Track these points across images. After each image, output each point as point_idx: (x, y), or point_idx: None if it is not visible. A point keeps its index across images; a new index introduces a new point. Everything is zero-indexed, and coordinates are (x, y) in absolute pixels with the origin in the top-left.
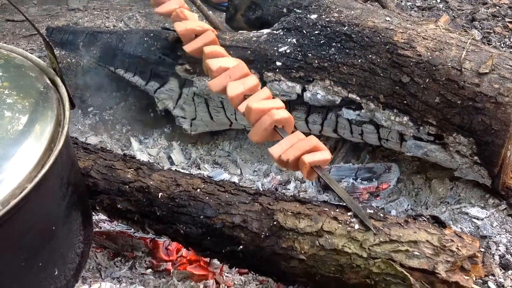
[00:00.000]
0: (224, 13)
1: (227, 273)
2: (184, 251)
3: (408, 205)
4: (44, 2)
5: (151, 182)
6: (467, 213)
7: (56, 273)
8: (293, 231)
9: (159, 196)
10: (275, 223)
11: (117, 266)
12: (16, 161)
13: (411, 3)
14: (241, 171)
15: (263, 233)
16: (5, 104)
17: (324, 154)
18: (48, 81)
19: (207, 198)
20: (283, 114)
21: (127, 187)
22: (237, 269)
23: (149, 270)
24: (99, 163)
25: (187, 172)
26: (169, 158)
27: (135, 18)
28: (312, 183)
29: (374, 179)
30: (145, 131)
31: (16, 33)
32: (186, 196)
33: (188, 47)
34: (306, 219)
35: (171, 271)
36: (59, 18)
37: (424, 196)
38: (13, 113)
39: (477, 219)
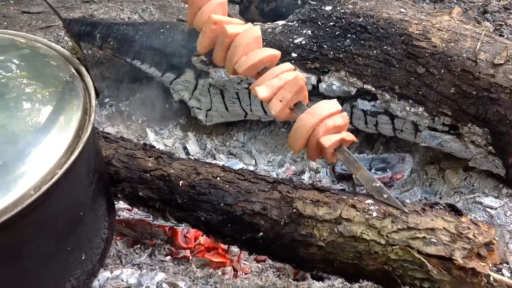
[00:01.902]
0: (237, 5)
1: (245, 260)
2: (201, 239)
3: (421, 195)
4: None
5: (172, 171)
6: (481, 203)
7: (83, 257)
8: (312, 219)
9: (180, 184)
10: (294, 210)
11: (136, 253)
12: (46, 148)
13: None
14: (255, 161)
15: (282, 220)
16: (34, 93)
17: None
18: (74, 71)
19: (227, 186)
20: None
21: (148, 175)
22: (254, 256)
23: (168, 257)
24: (120, 152)
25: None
26: (185, 148)
27: (149, 10)
28: (327, 173)
29: (388, 170)
30: (161, 122)
31: (32, 24)
32: (206, 184)
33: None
34: (325, 206)
35: (190, 258)
36: (74, 10)
37: (437, 186)
38: (41, 102)
39: (491, 208)
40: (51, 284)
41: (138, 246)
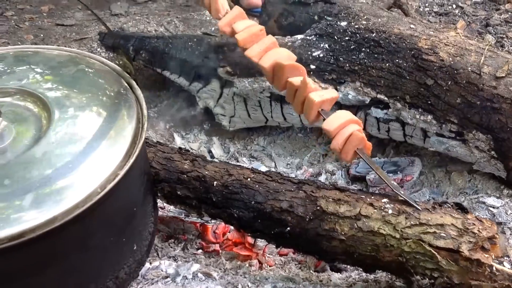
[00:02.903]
0: (255, 18)
1: (269, 254)
2: (229, 234)
3: (429, 195)
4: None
5: (206, 172)
6: (484, 202)
7: (135, 248)
8: (334, 215)
9: (214, 184)
10: (318, 208)
11: (171, 247)
12: (109, 152)
13: (428, 9)
14: (275, 164)
15: (307, 216)
16: (94, 104)
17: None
18: (125, 84)
19: (257, 186)
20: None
21: (185, 176)
22: (278, 250)
23: (200, 251)
24: (158, 155)
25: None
26: (209, 152)
27: (173, 22)
28: (342, 175)
29: (398, 172)
30: (186, 127)
31: (67, 36)
32: (238, 184)
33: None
34: (345, 204)
35: (220, 251)
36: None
37: (444, 187)
38: (101, 112)
39: (493, 207)
40: (110, 271)
41: (172, 240)
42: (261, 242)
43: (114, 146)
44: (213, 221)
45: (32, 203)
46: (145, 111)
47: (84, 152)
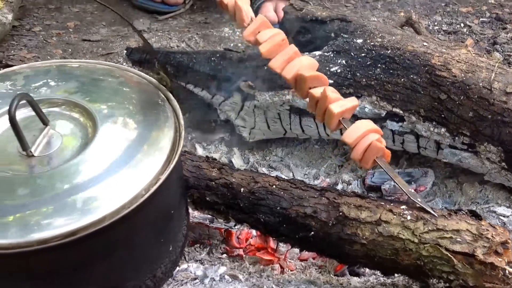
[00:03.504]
0: None
1: (290, 259)
2: (251, 240)
3: (442, 205)
4: (112, 24)
5: (233, 179)
6: (494, 211)
7: (171, 248)
8: (356, 220)
9: (241, 191)
10: (340, 213)
11: (197, 251)
12: (151, 159)
13: (438, 27)
14: (293, 174)
15: (330, 221)
16: (135, 115)
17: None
18: (163, 95)
19: (282, 192)
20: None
21: (213, 183)
22: (298, 256)
23: (224, 255)
24: (188, 163)
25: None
26: (230, 162)
27: (194, 39)
28: (358, 185)
29: (412, 182)
30: (207, 138)
31: (94, 51)
32: (264, 191)
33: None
34: (366, 211)
35: (243, 256)
36: (129, 39)
37: (456, 198)
38: (141, 121)
39: (504, 216)
40: (149, 269)
41: (198, 245)
42: (283, 247)
43: (155, 153)
44: (236, 227)
45: (83, 203)
46: (181, 121)
47: (128, 158)
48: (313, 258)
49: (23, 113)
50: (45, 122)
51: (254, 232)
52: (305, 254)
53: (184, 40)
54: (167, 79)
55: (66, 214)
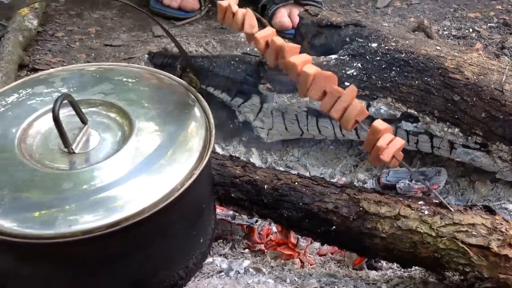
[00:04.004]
0: (286, 40)
1: (310, 254)
2: (272, 236)
3: (455, 203)
4: (131, 29)
5: (257, 177)
6: (506, 208)
7: (201, 241)
8: (375, 215)
9: (265, 187)
10: (360, 209)
11: (220, 246)
12: (185, 155)
13: (447, 32)
14: (309, 173)
15: (351, 216)
16: (168, 114)
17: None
18: (193, 96)
19: (304, 189)
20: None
21: (238, 180)
22: (317, 251)
23: (247, 250)
24: (213, 161)
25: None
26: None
27: (211, 44)
28: (373, 183)
29: (426, 181)
30: (226, 139)
31: (116, 56)
32: (287, 188)
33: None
34: (385, 206)
35: (265, 251)
36: (149, 44)
37: (468, 195)
38: (174, 121)
39: None
40: (182, 260)
41: (221, 240)
42: (302, 243)
43: (189, 150)
44: (257, 223)
45: (123, 197)
46: (211, 120)
47: (164, 154)
48: (332, 253)
49: (63, 113)
50: (84, 121)
51: (274, 228)
52: (324, 249)
53: (202, 45)
54: (197, 81)
55: (108, 207)
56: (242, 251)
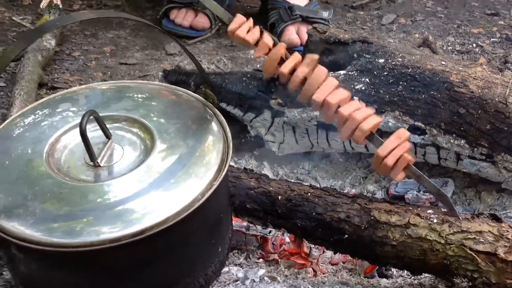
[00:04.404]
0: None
1: (322, 263)
2: (285, 246)
3: (462, 212)
4: (145, 48)
5: (271, 188)
6: (511, 217)
7: (220, 250)
8: (386, 224)
9: (279, 198)
10: (372, 218)
11: (235, 256)
12: (205, 168)
13: (451, 48)
14: (320, 185)
15: (362, 225)
16: (188, 128)
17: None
18: (210, 111)
19: (317, 199)
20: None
21: (253, 192)
22: (329, 260)
23: (261, 260)
24: (229, 174)
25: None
26: None
27: (222, 61)
28: (382, 195)
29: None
30: (238, 153)
31: (131, 74)
32: (300, 198)
33: (285, 68)
34: (396, 215)
35: (278, 260)
36: (162, 62)
37: (475, 205)
38: (194, 134)
39: None
40: (202, 267)
41: (236, 251)
42: (315, 252)
43: (208, 162)
44: (270, 233)
45: (147, 207)
46: (228, 134)
47: (184, 167)
48: (343, 262)
49: (88, 128)
50: (108, 136)
51: (287, 238)
52: (336, 258)
53: (214, 62)
54: (214, 97)
55: (132, 216)
56: (257, 260)
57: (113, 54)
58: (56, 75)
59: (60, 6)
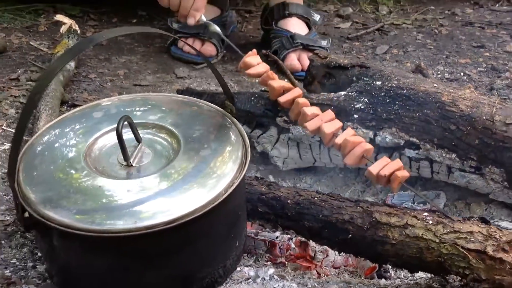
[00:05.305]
0: (298, 81)
1: (325, 266)
2: (291, 251)
3: None
4: (156, 72)
5: (281, 193)
6: (499, 225)
7: (237, 244)
8: (386, 225)
9: (288, 202)
10: (373, 219)
11: (246, 259)
12: (227, 167)
13: (441, 76)
14: None
15: (365, 226)
16: (210, 134)
17: (405, 172)
18: (229, 120)
19: (323, 203)
20: (369, 146)
21: (264, 197)
22: (332, 264)
23: (269, 262)
24: None
25: None
26: None
27: (229, 84)
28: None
29: (427, 203)
30: (249, 168)
31: None
32: (307, 202)
33: (282, 98)
34: (395, 216)
35: (285, 263)
36: (173, 84)
37: (465, 216)
38: (216, 139)
39: (507, 229)
40: (221, 259)
41: (246, 254)
42: (319, 256)
43: (229, 163)
44: (277, 238)
45: (177, 199)
46: (246, 140)
47: (209, 166)
48: (345, 266)
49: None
50: (139, 140)
51: (293, 244)
52: (338, 262)
53: None
54: (232, 107)
55: (166, 207)
56: (265, 263)
57: (126, 76)
58: (75, 94)
59: (78, 32)
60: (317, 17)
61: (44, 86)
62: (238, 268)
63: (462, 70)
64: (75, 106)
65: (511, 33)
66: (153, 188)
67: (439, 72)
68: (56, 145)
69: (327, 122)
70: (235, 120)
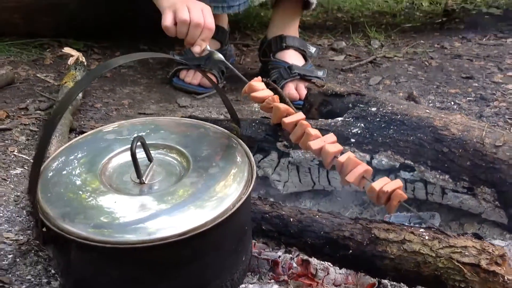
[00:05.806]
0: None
1: (326, 284)
2: (293, 269)
3: None
4: (159, 101)
5: (284, 212)
6: (492, 244)
7: (244, 258)
8: (385, 240)
9: (291, 220)
10: (372, 235)
11: (249, 277)
12: (234, 184)
13: (432, 105)
14: None
15: (365, 242)
16: (217, 154)
17: (404, 194)
18: (235, 140)
19: (324, 221)
20: (369, 167)
21: (267, 215)
22: (332, 282)
23: (272, 281)
24: None
25: None
26: None
27: None
28: None
29: (422, 224)
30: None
31: None
32: (309, 220)
33: (287, 119)
34: (393, 232)
35: (288, 281)
36: (176, 112)
37: None
38: (223, 158)
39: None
40: (229, 272)
41: (249, 273)
42: (320, 273)
43: (237, 180)
44: (280, 258)
45: (188, 213)
46: (252, 159)
47: (218, 183)
48: (345, 283)
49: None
50: (150, 159)
51: (294, 264)
52: (339, 280)
53: (222, 113)
54: (238, 129)
55: (177, 220)
56: (269, 281)
57: (131, 106)
58: (82, 122)
59: (85, 63)
60: (313, 49)
61: (66, 106)
62: (243, 285)
63: (452, 99)
64: (82, 133)
65: (499, 65)
66: (165, 203)
67: (430, 101)
68: (72, 165)
69: (330, 143)
70: (240, 141)
